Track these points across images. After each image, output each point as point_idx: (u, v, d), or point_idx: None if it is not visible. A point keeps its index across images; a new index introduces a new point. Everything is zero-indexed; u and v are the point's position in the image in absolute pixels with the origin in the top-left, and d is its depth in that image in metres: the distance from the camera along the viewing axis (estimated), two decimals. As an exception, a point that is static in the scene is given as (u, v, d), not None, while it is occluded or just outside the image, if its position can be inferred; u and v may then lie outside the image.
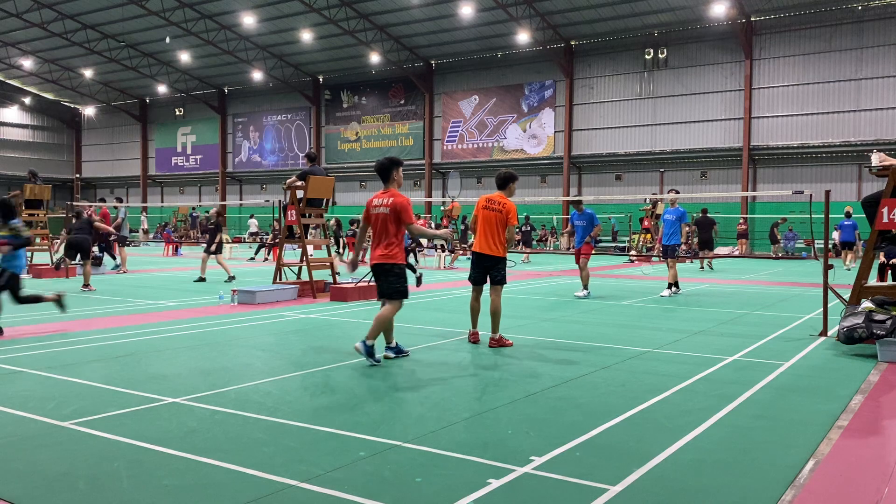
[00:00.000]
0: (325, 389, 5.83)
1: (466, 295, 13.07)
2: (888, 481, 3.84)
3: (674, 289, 13.66)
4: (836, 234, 27.96)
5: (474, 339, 8.12)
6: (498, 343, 7.86)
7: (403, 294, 6.81)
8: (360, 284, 12.80)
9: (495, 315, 7.87)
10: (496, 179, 8.24)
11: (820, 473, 3.94)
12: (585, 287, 13.36)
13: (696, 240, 23.09)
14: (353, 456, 4.14)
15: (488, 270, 8.00)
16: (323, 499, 3.53)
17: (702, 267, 21.89)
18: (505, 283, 8.03)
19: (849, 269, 19.81)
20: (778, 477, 3.86)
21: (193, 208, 40.96)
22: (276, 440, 4.46)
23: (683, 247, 14.18)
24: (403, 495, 3.58)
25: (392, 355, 7.01)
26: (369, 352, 6.64)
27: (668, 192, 14.59)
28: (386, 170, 6.98)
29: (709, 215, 23.10)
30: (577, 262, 13.50)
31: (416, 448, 4.30)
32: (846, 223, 22.51)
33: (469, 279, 8.25)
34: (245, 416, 4.99)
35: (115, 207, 22.26)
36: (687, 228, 15.52)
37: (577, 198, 14.39)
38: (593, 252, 13.79)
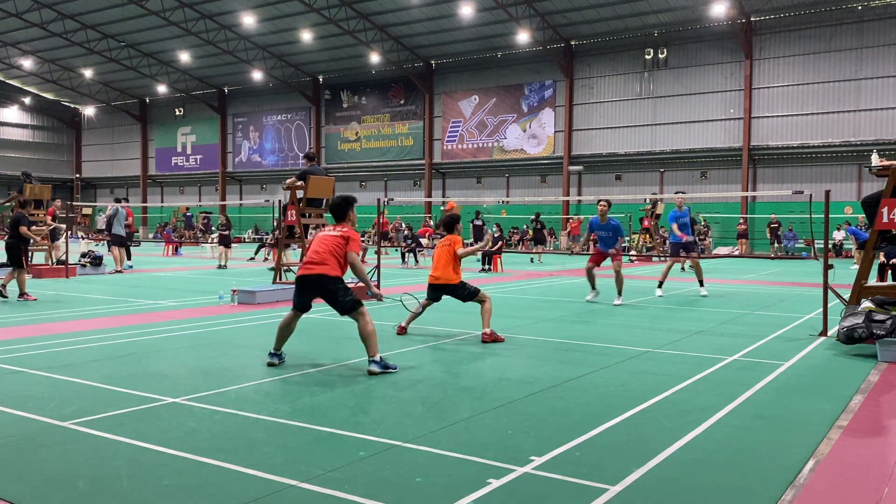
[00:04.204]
0: (325, 389, 5.83)
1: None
2: (888, 481, 3.83)
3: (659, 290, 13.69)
4: (838, 234, 27.96)
5: (400, 331, 8.64)
6: (491, 338, 8.20)
7: (359, 301, 6.66)
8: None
9: (485, 314, 8.36)
10: (443, 223, 9.22)
11: (820, 473, 3.94)
12: (620, 293, 12.36)
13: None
14: (353, 456, 4.14)
15: (449, 294, 8.65)
16: (323, 499, 3.53)
17: (683, 268, 21.60)
18: (478, 294, 8.53)
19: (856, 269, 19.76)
20: (778, 477, 3.86)
21: (188, 209, 41.06)
22: (276, 440, 4.46)
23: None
24: (403, 495, 3.58)
25: (276, 362, 6.78)
26: (384, 366, 6.49)
27: (676, 194, 14.26)
28: (341, 209, 6.91)
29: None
30: (594, 263, 12.59)
31: (416, 448, 4.29)
32: (852, 228, 22.47)
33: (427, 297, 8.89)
34: (245, 416, 4.99)
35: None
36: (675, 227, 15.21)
37: (604, 199, 12.81)
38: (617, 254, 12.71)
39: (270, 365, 6.74)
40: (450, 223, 9.01)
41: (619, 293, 12.31)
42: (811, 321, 9.95)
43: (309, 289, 6.70)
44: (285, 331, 6.85)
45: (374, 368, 6.43)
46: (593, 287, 12.70)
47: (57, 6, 39.31)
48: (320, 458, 4.09)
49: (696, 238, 14.49)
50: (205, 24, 39.31)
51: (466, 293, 8.54)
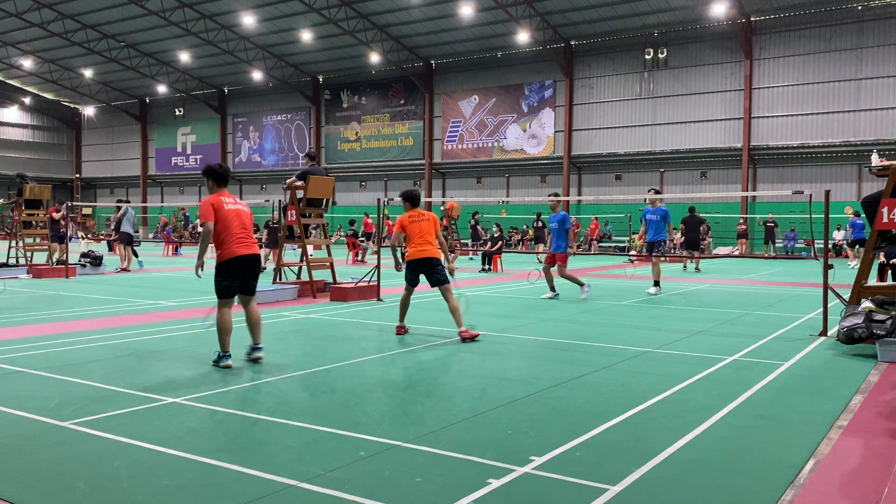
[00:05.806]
0: (325, 389, 5.83)
1: (466, 294, 13.09)
2: (888, 481, 3.84)
3: (658, 287, 13.71)
4: (838, 233, 27.93)
5: (401, 332, 8.64)
6: (469, 335, 8.22)
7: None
8: (360, 284, 12.79)
9: (455, 311, 8.36)
10: (410, 197, 8.85)
11: (820, 473, 3.94)
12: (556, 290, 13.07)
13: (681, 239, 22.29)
14: (353, 456, 4.14)
15: (428, 274, 8.53)
16: (323, 499, 3.53)
17: (685, 268, 21.50)
18: (448, 282, 8.56)
19: (854, 268, 19.73)
20: (778, 477, 3.86)
21: (183, 209, 41.31)
22: (276, 440, 4.46)
23: (670, 243, 14.25)
24: (403, 495, 3.58)
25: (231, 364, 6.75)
26: (249, 354, 6.95)
27: (648, 192, 14.70)
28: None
29: (697, 214, 21.57)
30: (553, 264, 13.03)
31: (416, 448, 4.30)
32: (858, 221, 22.23)
33: (406, 280, 8.66)
34: (245, 416, 4.99)
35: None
36: (678, 229, 15.50)
37: (557, 199, 13.66)
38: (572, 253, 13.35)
39: (226, 367, 6.62)
40: (413, 196, 8.84)
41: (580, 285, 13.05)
42: (811, 321, 9.95)
43: (246, 268, 6.98)
44: (226, 331, 7.02)
45: (254, 355, 6.87)
46: (552, 288, 13.12)
47: (57, 6, 39.30)
48: (320, 458, 4.09)
49: (670, 237, 14.48)
50: (205, 24, 39.29)
51: (442, 276, 8.56)
